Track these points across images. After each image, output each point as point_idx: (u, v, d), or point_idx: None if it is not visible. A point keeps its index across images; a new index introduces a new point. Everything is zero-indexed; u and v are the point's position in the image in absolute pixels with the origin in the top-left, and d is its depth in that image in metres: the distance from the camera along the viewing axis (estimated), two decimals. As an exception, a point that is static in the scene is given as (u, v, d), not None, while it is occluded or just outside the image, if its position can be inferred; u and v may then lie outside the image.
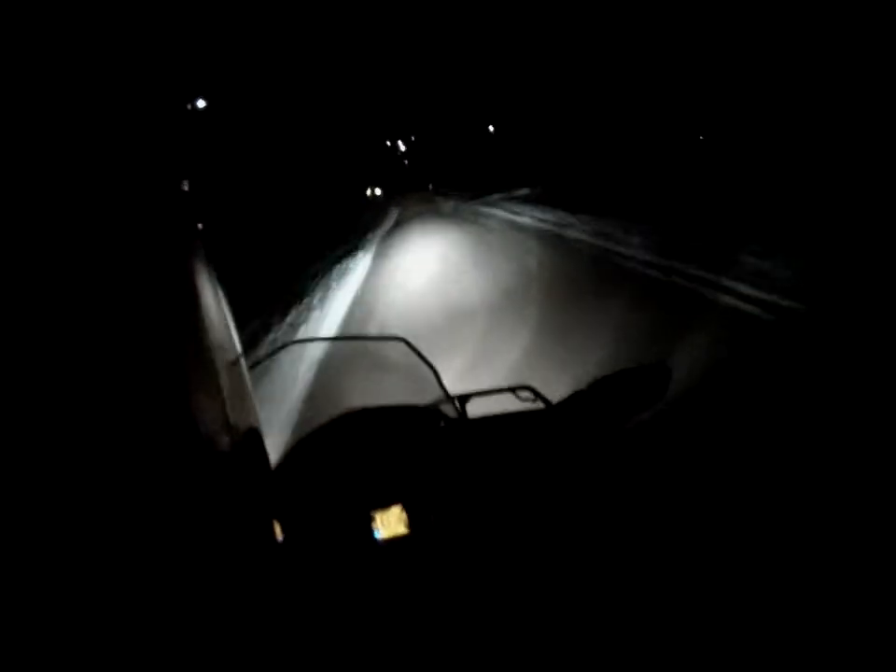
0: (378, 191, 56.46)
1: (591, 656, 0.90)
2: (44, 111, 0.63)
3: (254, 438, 1.00)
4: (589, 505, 1.12)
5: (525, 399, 1.59)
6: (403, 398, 1.68)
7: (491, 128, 39.48)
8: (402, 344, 1.76)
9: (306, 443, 1.55)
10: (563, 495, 1.17)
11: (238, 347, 0.97)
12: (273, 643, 0.79)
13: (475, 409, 1.64)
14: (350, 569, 1.16)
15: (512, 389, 1.62)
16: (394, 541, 1.18)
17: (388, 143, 69.81)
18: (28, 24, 0.62)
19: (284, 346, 1.91)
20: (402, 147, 71.69)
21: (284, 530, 1.14)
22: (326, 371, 4.65)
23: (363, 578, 1.15)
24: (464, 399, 1.69)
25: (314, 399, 4.30)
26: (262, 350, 6.29)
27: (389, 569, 1.16)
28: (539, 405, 1.53)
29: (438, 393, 1.69)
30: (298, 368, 4.97)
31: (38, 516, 0.58)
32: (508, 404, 1.55)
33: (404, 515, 1.19)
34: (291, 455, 1.52)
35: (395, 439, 1.46)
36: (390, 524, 1.19)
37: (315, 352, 5.23)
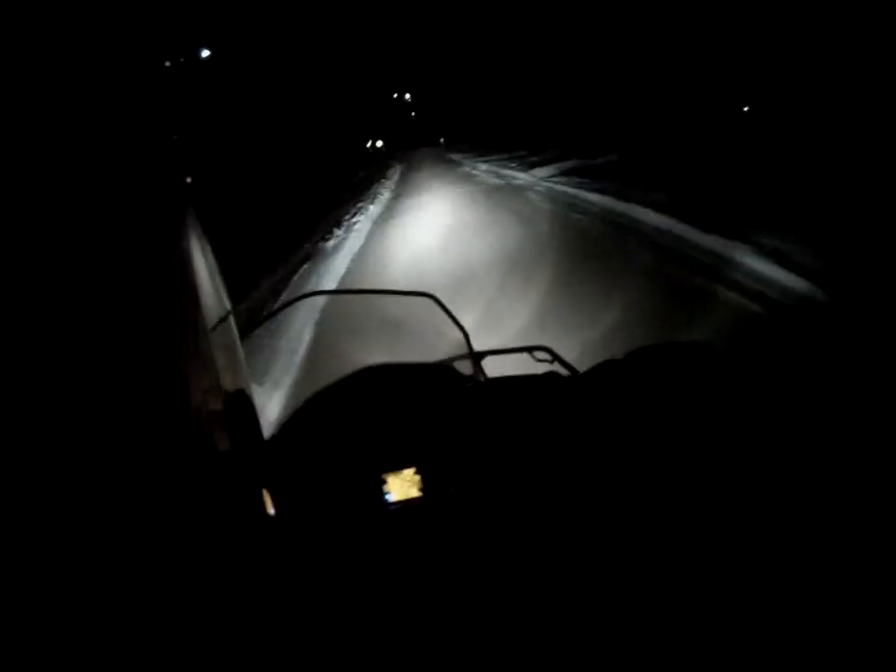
0: (380, 144, 54.57)
1: (603, 644, 0.87)
2: (18, 59, 0.59)
3: (244, 403, 0.97)
4: (613, 483, 1.07)
5: (542, 360, 1.55)
6: (423, 356, 1.65)
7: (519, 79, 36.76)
8: (426, 300, 1.70)
9: (318, 400, 1.51)
10: (588, 469, 1.11)
11: (228, 307, 0.93)
12: (267, 624, 0.78)
13: (489, 368, 1.62)
14: (358, 531, 1.14)
15: (529, 349, 1.58)
16: (406, 505, 1.16)
17: (395, 95, 68.27)
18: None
19: (302, 297, 1.83)
20: (408, 97, 70.00)
21: (276, 501, 1.06)
22: (335, 325, 4.60)
23: (372, 540, 1.13)
24: (478, 356, 1.65)
25: (324, 356, 4.28)
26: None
27: (399, 533, 1.14)
28: (559, 368, 1.49)
29: (460, 352, 1.66)
30: (306, 323, 4.93)
31: (18, 488, 0.56)
32: (522, 364, 1.51)
33: (417, 478, 1.17)
34: (301, 411, 1.49)
35: (412, 397, 1.42)
36: (402, 486, 1.16)
37: (322, 304, 5.21)
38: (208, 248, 0.85)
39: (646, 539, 0.97)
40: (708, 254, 5.87)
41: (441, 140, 49.42)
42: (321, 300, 5.30)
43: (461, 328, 1.60)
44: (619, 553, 0.97)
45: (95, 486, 0.60)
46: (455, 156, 33.10)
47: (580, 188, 10.99)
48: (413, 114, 71.25)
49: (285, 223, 12.97)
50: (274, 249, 9.96)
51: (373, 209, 14.52)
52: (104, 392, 0.63)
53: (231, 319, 0.93)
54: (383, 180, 22.90)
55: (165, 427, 0.71)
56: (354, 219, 13.04)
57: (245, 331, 1.69)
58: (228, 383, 0.85)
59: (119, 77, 0.75)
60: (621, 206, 8.68)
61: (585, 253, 6.57)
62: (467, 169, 21.97)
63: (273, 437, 1.42)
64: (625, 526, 1.00)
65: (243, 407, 0.96)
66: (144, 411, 0.67)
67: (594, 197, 9.87)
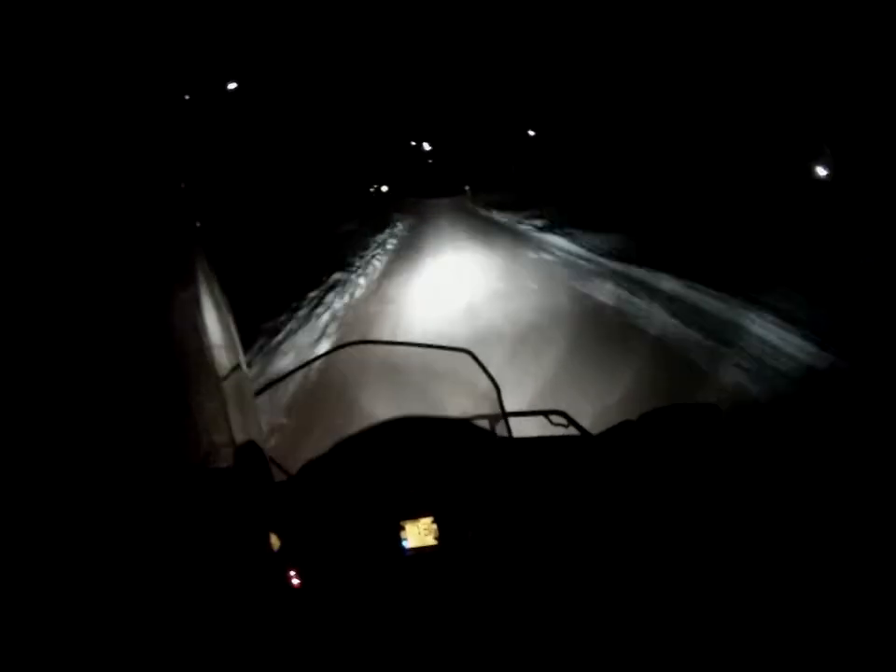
0: (384, 188, 53.71)
1: None
2: (42, 111, 0.62)
3: (254, 451, 0.99)
4: (627, 540, 1.12)
5: (557, 425, 1.61)
6: (451, 409, 1.67)
7: (531, 132, 35.83)
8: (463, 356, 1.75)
9: (344, 445, 1.57)
10: (603, 527, 1.17)
11: (242, 358, 0.96)
12: (272, 654, 0.78)
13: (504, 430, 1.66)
14: (374, 575, 1.18)
15: (546, 413, 1.64)
16: (421, 552, 1.20)
17: (413, 143, 69.78)
18: (25, 15, 0.62)
19: (339, 347, 1.88)
20: (427, 147, 71.45)
21: (291, 540, 1.15)
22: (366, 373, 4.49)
23: (387, 583, 1.17)
24: (495, 418, 1.70)
25: (352, 404, 4.27)
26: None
27: (414, 578, 1.18)
28: (573, 431, 1.54)
29: (487, 408, 1.72)
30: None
31: (39, 523, 0.58)
32: (538, 427, 1.58)
33: (434, 527, 1.21)
34: (327, 456, 1.54)
35: (434, 449, 1.47)
36: (419, 534, 1.21)
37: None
38: (224, 302, 0.89)
39: (654, 596, 1.01)
40: (719, 319, 5.92)
41: (467, 188, 44.65)
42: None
43: (495, 384, 1.65)
44: (630, 611, 1.00)
45: (115, 519, 0.62)
46: (493, 215, 23.65)
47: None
48: (430, 161, 72.54)
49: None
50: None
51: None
52: (126, 438, 0.65)
53: (245, 369, 0.95)
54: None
55: (174, 473, 0.72)
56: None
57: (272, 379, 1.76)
58: (239, 430, 0.87)
59: (129, 123, 0.79)
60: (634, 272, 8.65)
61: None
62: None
63: (297, 477, 1.48)
64: (635, 584, 1.04)
65: (253, 455, 0.99)
66: (154, 456, 0.69)
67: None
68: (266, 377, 5.34)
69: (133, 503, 0.70)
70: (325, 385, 4.72)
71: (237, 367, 0.94)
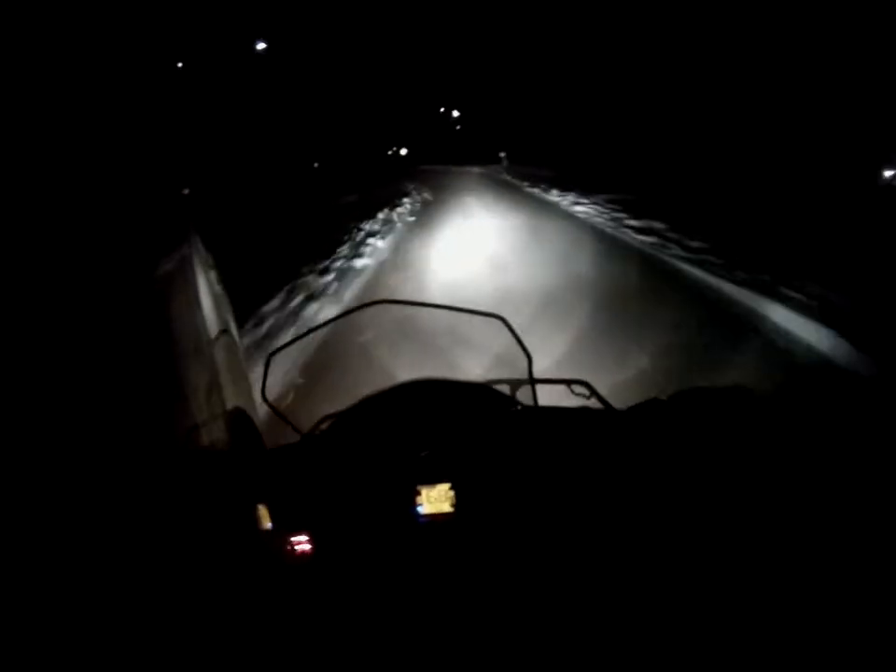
0: (403, 151, 51.64)
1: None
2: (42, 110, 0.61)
3: (243, 421, 0.98)
4: (650, 521, 1.10)
5: (579, 394, 1.59)
6: (477, 374, 1.61)
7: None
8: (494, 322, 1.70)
9: (359, 407, 1.55)
10: (625, 505, 1.14)
11: (231, 323, 0.95)
12: (269, 629, 0.78)
13: (522, 396, 1.64)
14: (385, 539, 1.17)
15: (568, 382, 1.62)
16: (436, 520, 1.19)
17: (441, 109, 68.69)
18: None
19: (361, 307, 1.80)
20: (456, 114, 70.23)
21: (273, 516, 1.11)
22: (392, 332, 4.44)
23: (397, 549, 1.16)
24: (517, 384, 1.68)
25: (377, 362, 4.30)
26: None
27: (426, 546, 1.16)
28: (595, 403, 1.53)
29: (511, 374, 1.69)
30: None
31: (34, 491, 0.58)
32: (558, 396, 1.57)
33: (451, 494, 1.19)
34: (340, 418, 1.53)
35: (455, 413, 1.45)
36: (435, 500, 1.19)
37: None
38: (212, 267, 0.87)
39: (671, 577, 1.00)
40: (740, 305, 5.85)
41: (503, 155, 37.00)
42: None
43: (527, 354, 1.60)
44: (648, 592, 0.99)
45: (93, 496, 0.61)
46: (548, 196, 17.39)
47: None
48: (458, 127, 71.01)
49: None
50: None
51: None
52: (103, 404, 0.65)
53: (235, 335, 0.94)
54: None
55: (163, 442, 0.72)
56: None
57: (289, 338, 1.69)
58: (230, 396, 0.86)
59: (118, 91, 0.77)
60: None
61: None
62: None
63: (310, 435, 1.47)
64: (655, 569, 1.02)
65: (242, 425, 0.98)
66: (143, 423, 0.68)
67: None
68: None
69: (126, 477, 0.69)
70: (345, 345, 4.72)
71: (225, 331, 0.93)
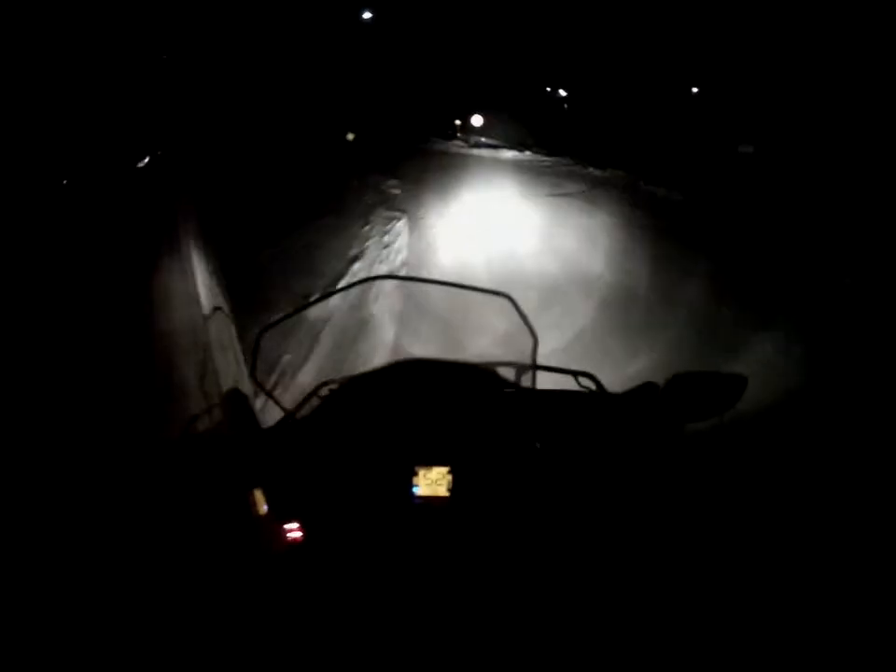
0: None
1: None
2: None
3: (238, 400, 0.98)
4: (641, 501, 1.12)
5: (584, 387, 1.58)
6: (478, 354, 1.61)
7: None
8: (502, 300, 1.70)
9: (358, 382, 1.55)
10: (619, 488, 1.16)
11: (227, 309, 0.94)
12: (264, 618, 0.78)
13: (526, 382, 1.65)
14: (379, 518, 1.18)
15: (574, 374, 1.62)
16: (431, 502, 1.20)
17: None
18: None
19: (365, 280, 1.84)
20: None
21: (269, 500, 1.11)
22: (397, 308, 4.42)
23: (390, 529, 1.17)
24: (522, 369, 1.68)
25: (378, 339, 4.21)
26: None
27: (419, 529, 1.17)
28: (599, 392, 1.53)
29: (516, 358, 1.70)
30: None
31: (32, 480, 0.57)
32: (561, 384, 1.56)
33: (449, 478, 1.20)
34: (342, 390, 1.53)
35: (457, 396, 1.44)
36: (432, 483, 1.20)
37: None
38: (201, 247, 0.84)
39: (668, 553, 1.04)
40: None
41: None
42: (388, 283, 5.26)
43: (533, 335, 1.59)
44: (646, 577, 1.01)
45: (84, 482, 0.60)
46: None
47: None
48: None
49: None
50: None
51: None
52: (93, 388, 0.63)
53: (232, 319, 0.94)
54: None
55: (158, 425, 0.70)
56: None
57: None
58: (224, 376, 0.84)
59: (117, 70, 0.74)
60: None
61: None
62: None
63: (309, 411, 1.46)
64: (653, 549, 1.05)
65: (237, 405, 0.98)
66: (135, 404, 0.66)
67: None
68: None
69: (122, 462, 0.68)
70: (344, 321, 4.74)
71: (219, 308, 0.91)
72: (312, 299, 4.69)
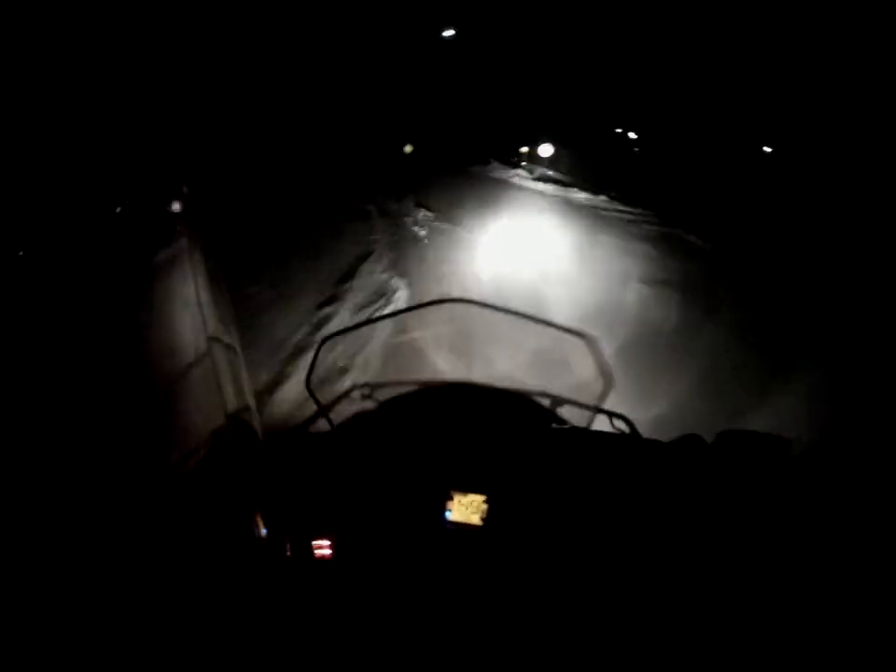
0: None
1: None
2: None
3: (241, 425, 1.04)
4: (673, 549, 1.10)
5: (617, 429, 1.57)
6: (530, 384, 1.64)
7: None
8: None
9: (400, 403, 1.55)
10: (656, 537, 1.14)
11: (236, 342, 1.01)
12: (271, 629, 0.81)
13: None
14: (408, 540, 1.17)
15: (609, 414, 1.61)
16: (462, 529, 1.18)
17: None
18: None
19: (433, 303, 1.81)
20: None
21: (266, 524, 1.14)
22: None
23: (419, 556, 1.15)
24: (557, 402, 1.68)
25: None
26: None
27: (449, 556, 1.15)
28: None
29: (558, 392, 1.69)
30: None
31: (35, 494, 0.58)
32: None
33: (484, 507, 1.18)
34: (383, 412, 1.53)
35: (498, 425, 1.42)
36: (466, 510, 1.18)
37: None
38: (202, 270, 0.92)
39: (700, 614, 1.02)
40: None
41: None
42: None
43: (608, 379, 1.59)
44: (670, 630, 1.00)
45: (87, 498, 0.63)
46: None
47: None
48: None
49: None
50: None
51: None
52: (98, 407, 0.69)
53: (239, 349, 0.99)
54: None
55: (161, 445, 0.73)
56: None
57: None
58: (230, 398, 0.90)
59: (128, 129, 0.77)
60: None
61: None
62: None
63: (351, 426, 1.48)
64: (686, 589, 1.04)
65: (240, 429, 1.04)
66: (138, 425, 0.72)
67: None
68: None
69: (125, 478, 0.67)
70: (398, 340, 4.69)
71: (223, 329, 0.98)
72: (376, 315, 4.75)
